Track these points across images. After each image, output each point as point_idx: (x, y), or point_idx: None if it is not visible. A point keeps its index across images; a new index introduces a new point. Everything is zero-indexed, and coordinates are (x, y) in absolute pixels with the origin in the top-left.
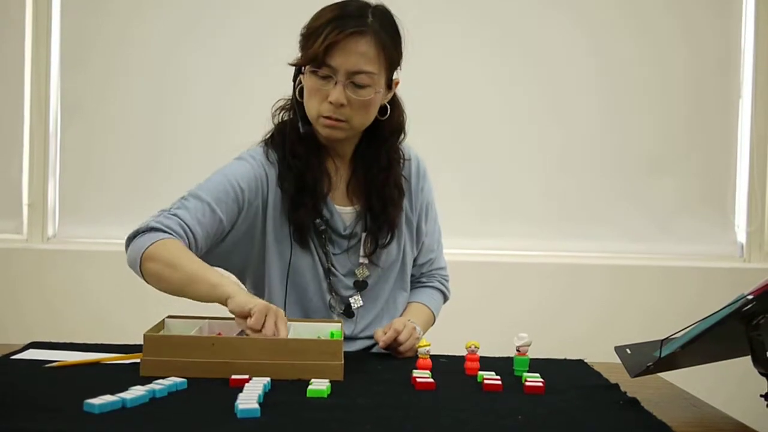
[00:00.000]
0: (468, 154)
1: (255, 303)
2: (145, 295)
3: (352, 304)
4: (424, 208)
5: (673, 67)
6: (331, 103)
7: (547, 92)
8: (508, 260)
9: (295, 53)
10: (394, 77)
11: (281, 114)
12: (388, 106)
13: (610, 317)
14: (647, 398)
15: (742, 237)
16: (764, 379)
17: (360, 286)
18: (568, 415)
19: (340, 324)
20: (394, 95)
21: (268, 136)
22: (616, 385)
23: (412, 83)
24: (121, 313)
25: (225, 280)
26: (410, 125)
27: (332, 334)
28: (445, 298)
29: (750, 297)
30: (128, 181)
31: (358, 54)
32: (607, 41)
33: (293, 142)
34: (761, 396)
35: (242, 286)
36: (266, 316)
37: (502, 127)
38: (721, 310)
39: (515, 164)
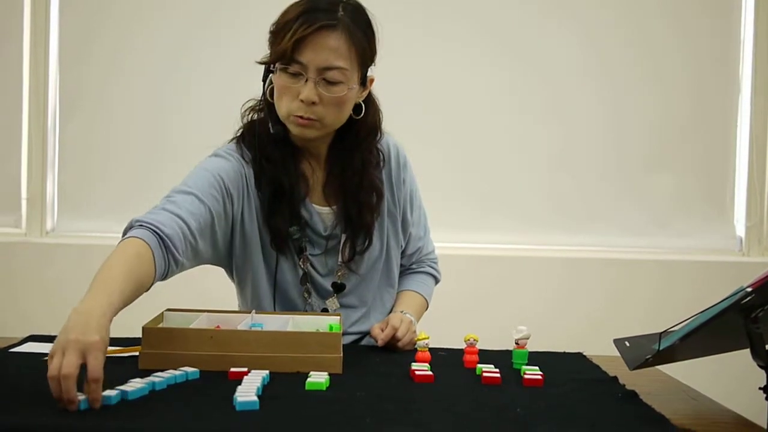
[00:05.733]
0: (467, 150)
1: (57, 343)
2: None
3: (329, 308)
4: (408, 198)
5: (673, 62)
6: (302, 101)
7: (546, 88)
8: (508, 254)
9: None
10: (368, 74)
11: (251, 115)
12: (363, 105)
13: (609, 311)
14: (646, 391)
15: (741, 231)
16: (763, 371)
17: (337, 288)
18: (566, 408)
19: (339, 317)
20: (370, 94)
21: (239, 134)
22: (615, 378)
23: (412, 81)
24: None
25: (89, 300)
26: (411, 121)
27: (331, 327)
28: (436, 281)
29: (749, 290)
30: (126, 176)
31: (329, 49)
32: (607, 37)
33: (265, 144)
34: (760, 389)
35: (90, 310)
36: (64, 353)
37: (501, 123)
38: (719, 302)
39: (515, 159)
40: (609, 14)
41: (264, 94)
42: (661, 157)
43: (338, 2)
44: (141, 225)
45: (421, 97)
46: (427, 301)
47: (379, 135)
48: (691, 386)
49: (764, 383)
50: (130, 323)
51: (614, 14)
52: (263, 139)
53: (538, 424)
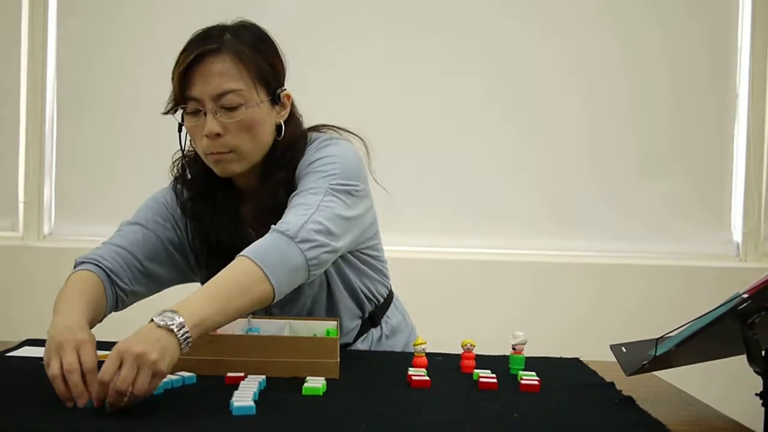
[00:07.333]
0: (460, 155)
1: (49, 350)
2: None
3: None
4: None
5: (670, 65)
6: (206, 136)
7: (538, 92)
8: (505, 259)
9: (298, 53)
10: (280, 92)
11: (178, 165)
12: (283, 125)
13: (604, 316)
14: (642, 397)
15: (738, 236)
16: (759, 377)
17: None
18: (563, 414)
19: (336, 322)
20: (292, 111)
21: (173, 180)
22: (612, 384)
23: (398, 86)
24: None
25: (58, 319)
26: (397, 126)
27: (328, 332)
28: (282, 234)
29: (745, 296)
30: (123, 180)
31: (216, 75)
32: (600, 39)
33: (196, 199)
34: (756, 395)
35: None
36: (61, 354)
37: (493, 127)
38: (716, 308)
39: (508, 164)
40: (601, 18)
41: (181, 145)
42: (658, 161)
43: (226, 28)
44: (83, 262)
45: (406, 101)
46: (252, 260)
47: (303, 151)
48: (688, 392)
49: (761, 389)
50: (126, 328)
51: (607, 19)
52: (193, 193)
53: (535, 430)
